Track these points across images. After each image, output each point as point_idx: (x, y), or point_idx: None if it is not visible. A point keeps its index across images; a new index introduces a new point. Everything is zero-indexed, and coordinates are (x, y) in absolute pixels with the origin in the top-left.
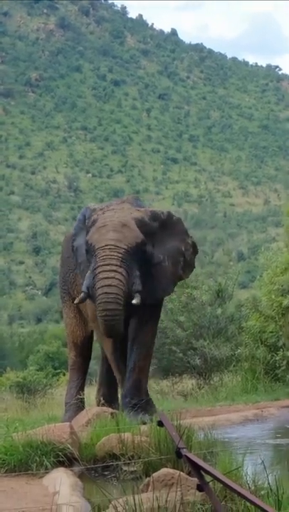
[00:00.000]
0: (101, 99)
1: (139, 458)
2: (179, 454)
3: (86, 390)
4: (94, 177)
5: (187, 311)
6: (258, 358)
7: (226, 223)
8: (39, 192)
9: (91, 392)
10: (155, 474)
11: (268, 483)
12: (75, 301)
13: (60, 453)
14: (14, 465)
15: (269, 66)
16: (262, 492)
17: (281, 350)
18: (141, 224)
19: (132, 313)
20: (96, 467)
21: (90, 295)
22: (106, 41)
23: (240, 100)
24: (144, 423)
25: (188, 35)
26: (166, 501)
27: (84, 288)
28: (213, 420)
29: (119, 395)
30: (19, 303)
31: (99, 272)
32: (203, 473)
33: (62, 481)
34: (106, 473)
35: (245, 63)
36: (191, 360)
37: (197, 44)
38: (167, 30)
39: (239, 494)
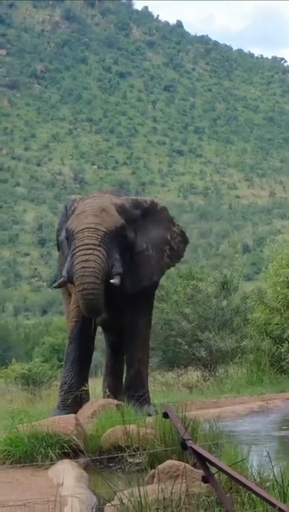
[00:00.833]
0: (106, 91)
1: (145, 450)
2: (184, 445)
3: (91, 381)
4: (99, 169)
5: (192, 303)
6: (264, 350)
7: (231, 215)
8: (44, 184)
9: (97, 384)
10: (160, 466)
11: (273, 475)
12: (54, 285)
13: (65, 444)
14: (19, 456)
15: (274, 58)
16: (267, 484)
17: (286, 342)
18: (121, 210)
19: (124, 305)
20: (101, 459)
21: (70, 278)
22: (111, 33)
23: (246, 92)
24: (150, 415)
25: (194, 27)
26: (171, 493)
27: (64, 272)
28: (219, 412)
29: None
30: (24, 295)
31: (77, 252)
32: (208, 464)
33: (67, 473)
34: (111, 464)
35: (251, 55)
36: (197, 352)
37: (203, 36)
38: (173, 22)
39: (244, 486)
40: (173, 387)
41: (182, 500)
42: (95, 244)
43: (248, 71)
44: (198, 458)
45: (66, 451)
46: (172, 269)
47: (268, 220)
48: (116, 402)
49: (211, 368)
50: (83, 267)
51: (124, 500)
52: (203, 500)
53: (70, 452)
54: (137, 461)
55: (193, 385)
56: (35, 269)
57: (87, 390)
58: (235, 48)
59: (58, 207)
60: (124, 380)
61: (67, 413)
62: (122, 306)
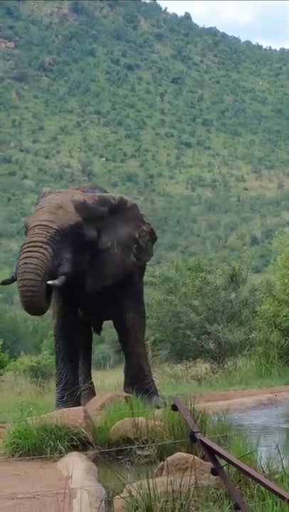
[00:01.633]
0: (114, 83)
1: (153, 442)
2: (193, 438)
3: (99, 374)
4: (107, 161)
5: (201, 296)
6: (272, 342)
7: (239, 207)
8: (53, 176)
9: (105, 376)
10: (169, 458)
11: (282, 467)
12: (0, 282)
13: (74, 437)
14: (28, 449)
15: (283, 50)
16: (276, 476)
17: None
18: (82, 207)
19: (108, 303)
20: (110, 451)
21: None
22: (119, 25)
23: (254, 84)
24: (158, 407)
25: (202, 19)
26: (180, 485)
27: (14, 268)
28: (228, 404)
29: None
30: None
31: (24, 248)
32: (217, 457)
33: (76, 465)
34: (120, 457)
35: (259, 47)
36: (205, 345)
37: (211, 28)
38: (181, 14)
39: (253, 478)
40: (182, 379)
41: (191, 492)
42: (42, 242)
43: (256, 63)
44: (207, 450)
45: (75, 443)
46: (181, 261)
47: (276, 212)
48: (125, 394)
49: (219, 360)
50: (25, 263)
51: (133, 493)
52: (212, 493)
53: (79, 445)
54: (146, 453)
55: (202, 377)
56: None
57: (92, 383)
58: (243, 39)
59: None
60: (125, 376)
61: None
62: (101, 302)
